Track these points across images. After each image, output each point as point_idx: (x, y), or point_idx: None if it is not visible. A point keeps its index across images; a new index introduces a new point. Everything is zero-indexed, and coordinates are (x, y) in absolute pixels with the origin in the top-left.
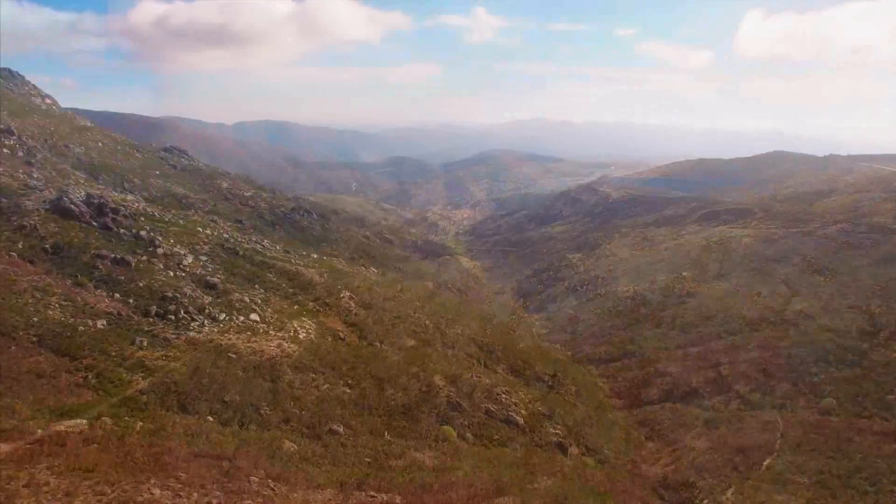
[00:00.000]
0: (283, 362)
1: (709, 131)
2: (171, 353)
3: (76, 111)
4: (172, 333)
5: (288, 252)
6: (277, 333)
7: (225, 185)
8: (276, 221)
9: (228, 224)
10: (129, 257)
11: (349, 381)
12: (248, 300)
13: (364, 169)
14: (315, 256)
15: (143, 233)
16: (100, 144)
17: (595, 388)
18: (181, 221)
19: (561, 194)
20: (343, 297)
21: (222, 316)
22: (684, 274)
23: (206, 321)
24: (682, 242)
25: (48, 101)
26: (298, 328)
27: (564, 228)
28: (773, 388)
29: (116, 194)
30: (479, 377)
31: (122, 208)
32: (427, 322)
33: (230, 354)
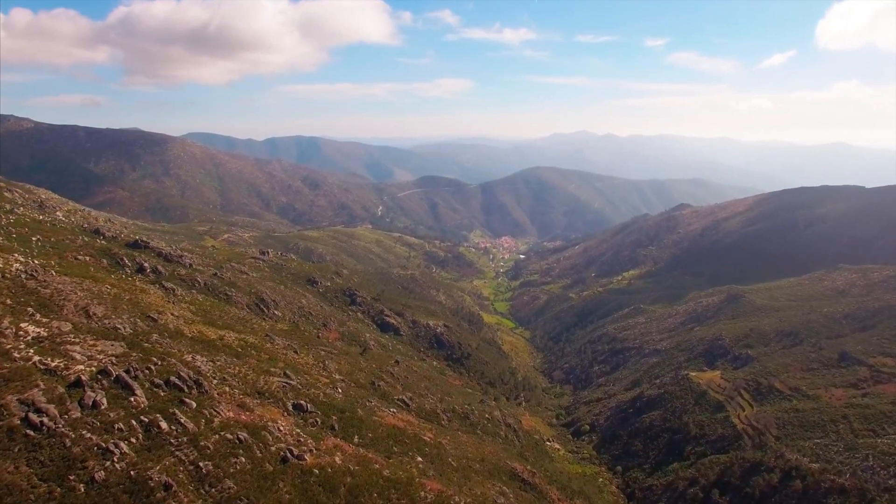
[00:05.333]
0: None
1: (758, 144)
2: None
3: (78, 127)
4: None
5: None
6: None
7: None
8: None
9: None
10: None
11: None
12: None
13: (393, 190)
14: None
15: None
16: None
17: None
18: None
19: (626, 226)
20: None
21: None
22: None
23: None
24: None
25: None
26: None
27: (646, 284)
28: None
29: None
30: None
31: None
32: None
33: None
